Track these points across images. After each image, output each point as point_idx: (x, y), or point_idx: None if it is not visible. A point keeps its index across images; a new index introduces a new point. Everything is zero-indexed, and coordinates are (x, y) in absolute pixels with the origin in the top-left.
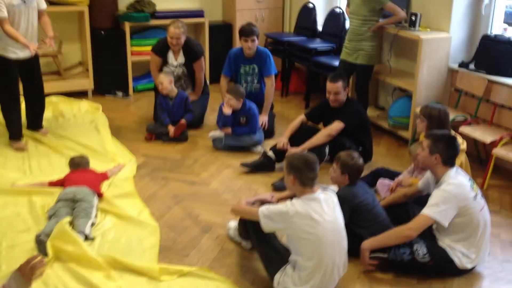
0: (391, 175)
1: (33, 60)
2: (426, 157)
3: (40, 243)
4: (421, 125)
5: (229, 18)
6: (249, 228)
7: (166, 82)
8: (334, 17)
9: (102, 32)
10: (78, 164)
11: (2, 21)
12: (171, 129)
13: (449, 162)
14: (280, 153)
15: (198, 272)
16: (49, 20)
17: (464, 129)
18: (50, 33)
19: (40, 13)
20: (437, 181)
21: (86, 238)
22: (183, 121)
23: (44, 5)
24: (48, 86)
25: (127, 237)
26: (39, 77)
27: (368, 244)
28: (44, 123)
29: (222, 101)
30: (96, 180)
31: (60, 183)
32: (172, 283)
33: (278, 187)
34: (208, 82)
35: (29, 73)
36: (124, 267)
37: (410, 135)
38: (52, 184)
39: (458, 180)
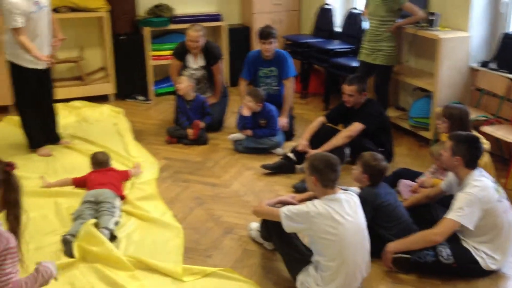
0: (413, 175)
1: (46, 70)
2: (448, 159)
3: (67, 244)
4: (442, 126)
5: (246, 21)
6: (271, 229)
7: (185, 83)
8: (351, 18)
9: (122, 38)
10: (100, 163)
11: (17, 31)
12: (190, 131)
13: (471, 164)
14: (300, 155)
15: (221, 273)
16: (55, 18)
17: (486, 128)
18: (60, 35)
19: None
20: (460, 183)
21: (111, 234)
22: (198, 121)
23: (50, 5)
24: (71, 91)
25: (152, 239)
26: (51, 87)
27: (392, 246)
28: (69, 128)
29: (241, 104)
30: (117, 181)
31: (83, 180)
32: (195, 283)
33: (299, 188)
34: (227, 85)
35: (41, 83)
36: (149, 267)
37: (431, 135)
38: (77, 180)
39: (482, 182)
